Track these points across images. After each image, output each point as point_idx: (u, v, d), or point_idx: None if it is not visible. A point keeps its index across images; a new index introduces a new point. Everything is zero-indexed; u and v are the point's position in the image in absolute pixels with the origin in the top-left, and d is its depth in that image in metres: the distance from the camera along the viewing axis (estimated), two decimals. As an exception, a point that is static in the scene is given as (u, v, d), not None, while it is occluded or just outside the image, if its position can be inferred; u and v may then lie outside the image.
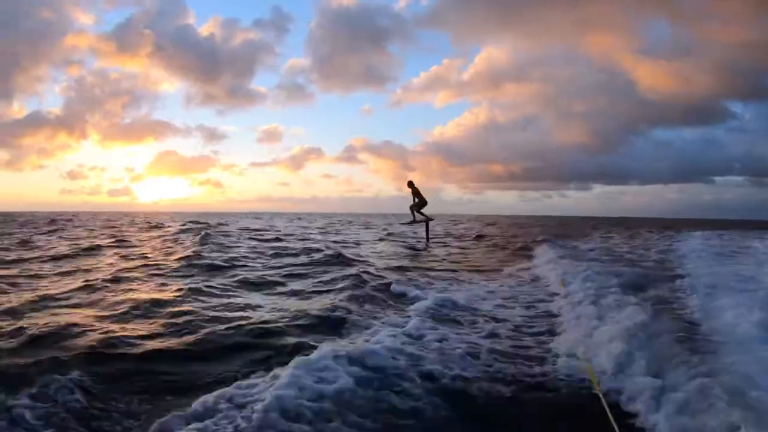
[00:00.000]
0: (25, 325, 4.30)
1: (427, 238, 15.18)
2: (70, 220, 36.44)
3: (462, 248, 14.55)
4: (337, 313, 4.93)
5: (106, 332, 4.18)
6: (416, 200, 14.06)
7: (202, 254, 10.04)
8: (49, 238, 16.19)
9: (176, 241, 14.67)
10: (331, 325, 4.61)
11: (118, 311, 5.05)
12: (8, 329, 4.22)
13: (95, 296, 5.91)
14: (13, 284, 6.73)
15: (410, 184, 13.97)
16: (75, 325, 4.40)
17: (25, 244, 13.41)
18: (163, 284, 6.88)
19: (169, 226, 24.58)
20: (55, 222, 30.42)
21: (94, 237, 16.68)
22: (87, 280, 6.79)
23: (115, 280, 6.95)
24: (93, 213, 77.76)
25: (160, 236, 17.29)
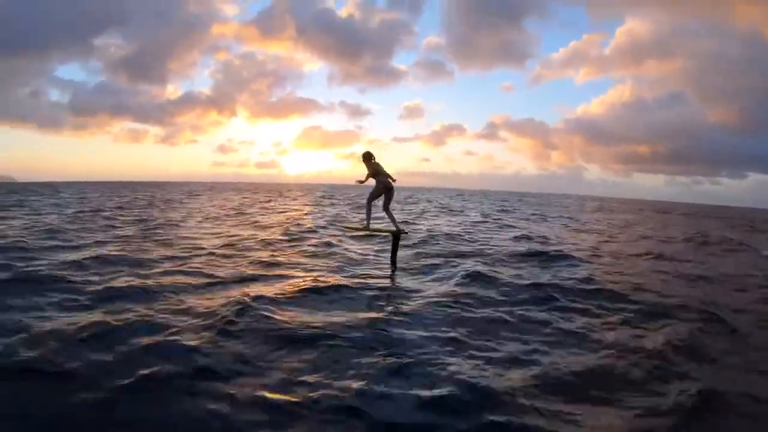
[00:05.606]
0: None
1: (393, 264, 7.99)
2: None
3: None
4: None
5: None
6: (370, 180, 7.67)
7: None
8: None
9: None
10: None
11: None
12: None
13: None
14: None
15: (367, 156, 7.67)
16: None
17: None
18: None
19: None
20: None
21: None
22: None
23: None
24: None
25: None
